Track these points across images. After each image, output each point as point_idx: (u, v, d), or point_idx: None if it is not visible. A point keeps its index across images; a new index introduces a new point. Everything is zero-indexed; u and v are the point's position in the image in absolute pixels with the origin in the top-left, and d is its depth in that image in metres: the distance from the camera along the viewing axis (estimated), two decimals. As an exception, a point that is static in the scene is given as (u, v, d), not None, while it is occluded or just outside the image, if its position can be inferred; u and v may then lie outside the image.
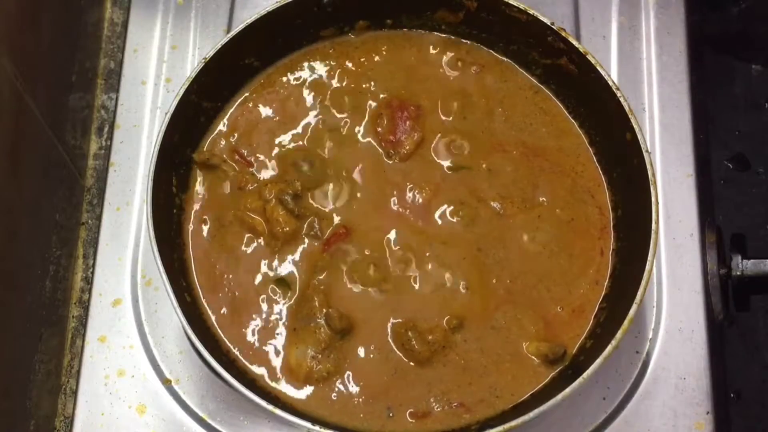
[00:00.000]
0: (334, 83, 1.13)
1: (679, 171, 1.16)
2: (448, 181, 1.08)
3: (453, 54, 1.14)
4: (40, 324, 1.07)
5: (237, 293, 1.03)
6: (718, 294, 1.11)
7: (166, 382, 1.09)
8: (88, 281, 1.14)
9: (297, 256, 1.05)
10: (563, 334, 1.02)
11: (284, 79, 1.13)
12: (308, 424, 0.94)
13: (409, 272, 1.03)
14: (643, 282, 0.95)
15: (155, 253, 0.97)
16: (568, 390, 0.92)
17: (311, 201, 1.07)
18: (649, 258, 0.96)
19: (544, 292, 1.03)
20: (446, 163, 1.08)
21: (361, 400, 1.00)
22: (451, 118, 1.11)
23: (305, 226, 1.05)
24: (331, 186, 1.07)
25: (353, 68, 1.13)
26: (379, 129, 1.10)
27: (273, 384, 1.00)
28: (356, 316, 1.02)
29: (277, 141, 1.10)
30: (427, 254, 1.04)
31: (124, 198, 1.16)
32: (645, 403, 1.07)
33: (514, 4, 1.07)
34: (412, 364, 1.01)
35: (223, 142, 1.10)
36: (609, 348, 0.93)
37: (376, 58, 1.14)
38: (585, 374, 0.93)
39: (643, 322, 1.10)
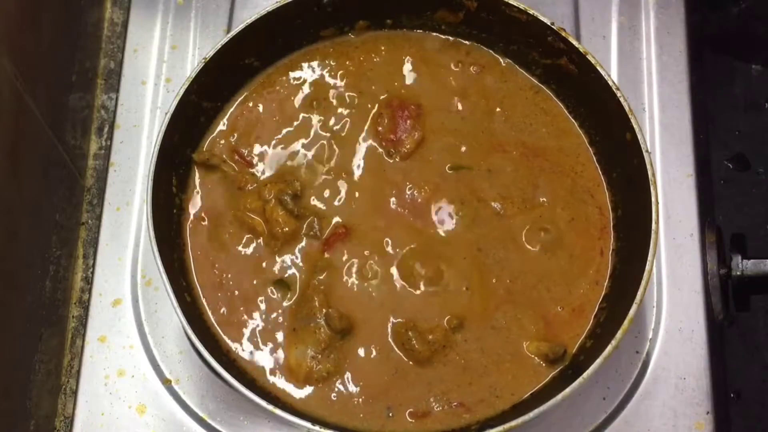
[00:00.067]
0: (334, 83, 1.13)
1: (679, 171, 1.16)
2: (449, 180, 1.08)
3: (453, 54, 1.14)
4: (40, 324, 1.07)
5: (237, 293, 1.03)
6: (718, 294, 1.11)
7: (166, 382, 1.09)
8: (88, 281, 1.14)
9: (297, 256, 1.05)
10: (563, 333, 1.02)
11: (284, 79, 1.13)
12: (308, 424, 0.94)
13: (409, 272, 1.03)
14: (643, 282, 0.95)
15: (155, 253, 0.97)
16: (568, 390, 0.92)
17: (311, 201, 1.07)
18: (649, 258, 0.96)
19: (544, 292, 1.03)
20: (446, 163, 1.08)
21: (361, 400, 1.00)
22: (451, 118, 1.11)
23: (305, 226, 1.05)
24: (330, 186, 1.07)
25: (353, 68, 1.13)
26: (380, 128, 1.10)
27: (273, 384, 1.00)
28: (356, 316, 1.02)
29: (277, 141, 1.10)
30: (427, 254, 1.04)
31: (124, 198, 1.16)
32: (645, 403, 1.07)
33: (514, 4, 1.07)
34: (412, 363, 1.00)
35: (222, 142, 1.10)
36: (609, 348, 0.93)
37: (376, 59, 1.14)
38: (585, 374, 0.93)
39: (643, 322, 1.10)
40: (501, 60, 1.14)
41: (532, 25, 1.07)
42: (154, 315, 1.11)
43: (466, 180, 1.08)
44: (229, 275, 1.04)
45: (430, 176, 1.08)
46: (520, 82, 1.13)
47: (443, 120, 1.10)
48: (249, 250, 1.05)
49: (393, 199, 1.07)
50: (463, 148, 1.09)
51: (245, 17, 1.08)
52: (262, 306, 1.03)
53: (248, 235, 1.05)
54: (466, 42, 1.14)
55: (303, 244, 1.05)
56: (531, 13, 1.07)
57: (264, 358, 1.01)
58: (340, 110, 1.11)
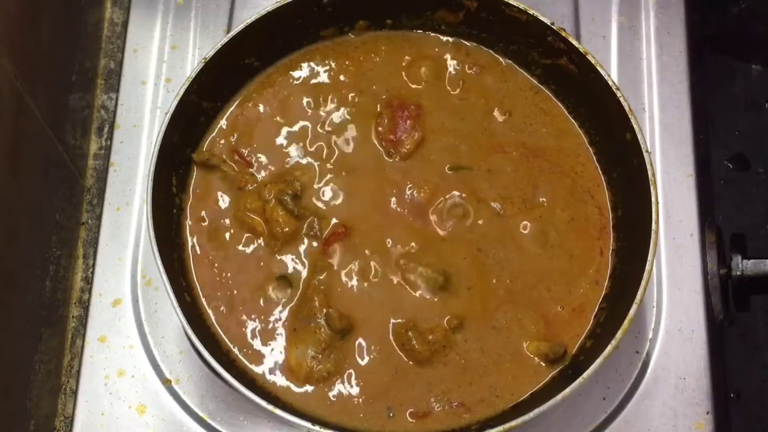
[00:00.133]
0: (334, 83, 1.13)
1: (679, 171, 1.16)
2: (448, 180, 1.08)
3: (453, 54, 1.14)
4: (40, 324, 1.07)
5: (237, 293, 1.03)
6: (718, 294, 1.11)
7: (166, 382, 1.09)
8: (88, 281, 1.14)
9: (297, 256, 1.05)
10: (563, 333, 1.02)
11: (284, 79, 1.13)
12: (308, 424, 0.94)
13: (409, 272, 1.03)
14: (643, 282, 0.95)
15: (155, 253, 0.97)
16: (568, 390, 0.92)
17: (311, 201, 1.07)
18: (649, 258, 0.96)
19: (544, 292, 1.03)
20: (446, 163, 1.08)
21: (361, 400, 1.00)
22: (451, 119, 1.10)
23: (305, 226, 1.05)
24: (330, 186, 1.07)
25: (353, 68, 1.13)
26: (380, 128, 1.10)
27: (273, 384, 1.00)
28: (356, 316, 1.02)
29: (276, 141, 1.10)
30: (427, 254, 1.04)
31: (124, 198, 1.16)
32: (645, 403, 1.07)
33: (514, 4, 1.07)
34: (412, 364, 1.00)
35: (222, 142, 1.10)
36: (609, 348, 0.94)
37: (376, 59, 1.14)
38: (585, 374, 0.93)
39: (643, 322, 1.10)
40: (501, 60, 1.14)
41: (532, 25, 1.07)
42: (154, 315, 1.11)
43: (466, 180, 1.08)
44: (229, 275, 1.04)
45: (430, 176, 1.08)
46: (520, 82, 1.13)
47: (443, 120, 1.10)
48: (249, 250, 1.05)
49: (393, 199, 1.07)
50: (463, 148, 1.09)
51: (245, 17, 1.08)
52: (262, 306, 1.03)
53: (248, 235, 1.05)
54: (466, 42, 1.14)
55: (303, 244, 1.05)
56: (531, 13, 1.07)
57: (264, 358, 1.01)
58: (340, 110, 1.11)
